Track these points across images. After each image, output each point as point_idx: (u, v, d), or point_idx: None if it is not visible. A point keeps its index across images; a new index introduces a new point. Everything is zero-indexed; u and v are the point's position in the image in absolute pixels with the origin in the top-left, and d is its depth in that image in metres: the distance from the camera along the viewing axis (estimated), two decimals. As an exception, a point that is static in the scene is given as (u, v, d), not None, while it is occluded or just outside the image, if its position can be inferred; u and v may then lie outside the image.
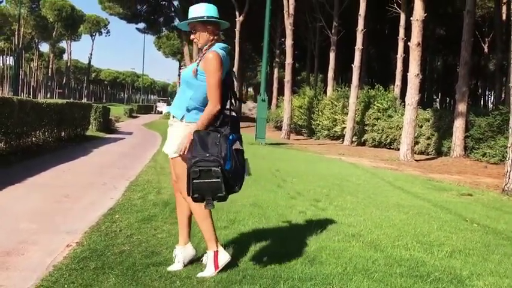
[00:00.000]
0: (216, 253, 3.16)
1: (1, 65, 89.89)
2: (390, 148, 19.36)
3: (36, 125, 10.72)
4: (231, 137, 3.01)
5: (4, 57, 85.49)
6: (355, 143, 22.10)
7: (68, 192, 6.18)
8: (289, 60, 24.17)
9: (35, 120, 10.44)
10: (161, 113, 52.43)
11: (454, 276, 3.36)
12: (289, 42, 24.08)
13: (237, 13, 32.11)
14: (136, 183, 6.91)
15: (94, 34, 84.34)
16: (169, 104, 59.96)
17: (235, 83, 3.40)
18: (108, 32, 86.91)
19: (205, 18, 3.16)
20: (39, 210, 5.14)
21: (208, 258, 3.19)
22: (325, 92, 28.41)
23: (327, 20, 27.46)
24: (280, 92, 31.58)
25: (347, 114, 22.41)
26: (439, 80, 50.21)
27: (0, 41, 76.93)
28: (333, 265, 3.41)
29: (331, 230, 4.52)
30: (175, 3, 39.48)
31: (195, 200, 2.98)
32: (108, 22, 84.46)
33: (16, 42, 61.16)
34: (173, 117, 3.26)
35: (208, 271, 3.14)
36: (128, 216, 4.78)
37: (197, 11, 3.18)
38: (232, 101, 3.24)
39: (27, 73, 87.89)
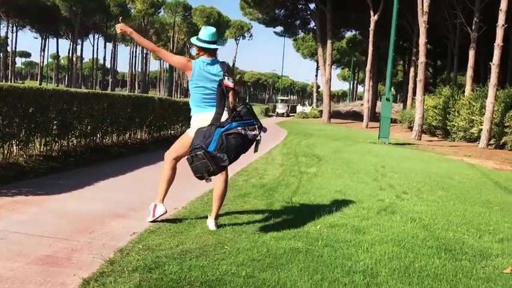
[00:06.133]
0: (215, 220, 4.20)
1: (159, 68, 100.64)
2: (532, 152, 17.92)
3: (174, 120, 12.54)
4: (227, 126, 3.70)
5: (162, 62, 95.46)
6: (493, 145, 20.75)
7: (188, 173, 7.48)
8: (422, 58, 23.55)
9: (172, 115, 12.26)
10: (283, 115, 47.87)
11: (480, 253, 3.70)
12: (422, 40, 23.49)
13: (371, 12, 32.07)
14: (245, 170, 7.99)
15: (238, 38, 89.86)
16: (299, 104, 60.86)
17: (236, 86, 4.09)
18: (251, 35, 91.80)
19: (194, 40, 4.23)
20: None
21: (212, 223, 4.17)
22: (463, 92, 26.95)
23: (467, 16, 26.03)
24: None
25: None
26: None
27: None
28: (373, 235, 4.00)
29: (396, 214, 5.02)
30: (312, 6, 40.61)
31: (199, 178, 3.81)
32: (251, 26, 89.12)
33: (171, 48, 68.19)
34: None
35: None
36: (228, 193, 5.83)
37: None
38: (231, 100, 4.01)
39: (180, 75, 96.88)
